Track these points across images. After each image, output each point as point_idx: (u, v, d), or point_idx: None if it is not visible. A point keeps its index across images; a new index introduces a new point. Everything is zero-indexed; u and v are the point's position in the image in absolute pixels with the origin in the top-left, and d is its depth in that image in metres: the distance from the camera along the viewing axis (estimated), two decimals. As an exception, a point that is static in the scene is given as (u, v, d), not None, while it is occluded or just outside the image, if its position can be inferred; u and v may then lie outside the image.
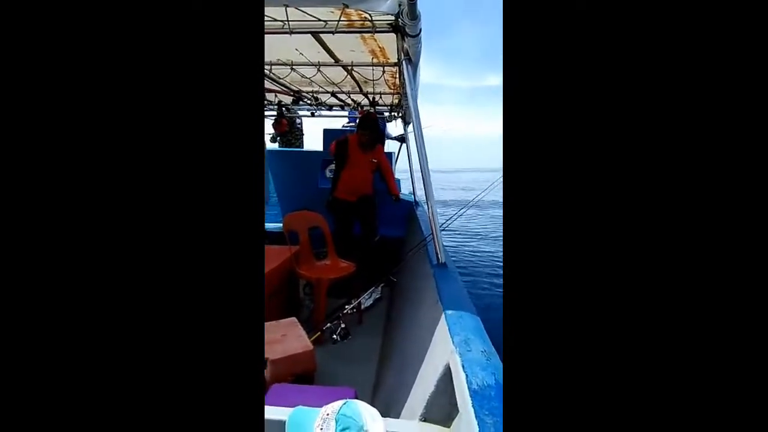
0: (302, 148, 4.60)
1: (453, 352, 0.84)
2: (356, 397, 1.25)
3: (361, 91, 2.89)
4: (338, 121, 4.40)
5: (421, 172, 1.51)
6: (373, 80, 2.20)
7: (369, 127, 2.55)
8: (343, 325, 2.07)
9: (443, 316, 1.03)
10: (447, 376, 0.86)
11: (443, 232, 1.66)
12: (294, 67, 2.12)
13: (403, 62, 1.47)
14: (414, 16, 1.13)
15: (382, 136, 2.80)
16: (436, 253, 1.51)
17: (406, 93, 2.41)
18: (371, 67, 2.09)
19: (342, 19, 1.36)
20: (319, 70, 2.10)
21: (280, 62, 2.10)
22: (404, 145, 4.17)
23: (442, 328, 1.00)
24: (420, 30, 1.23)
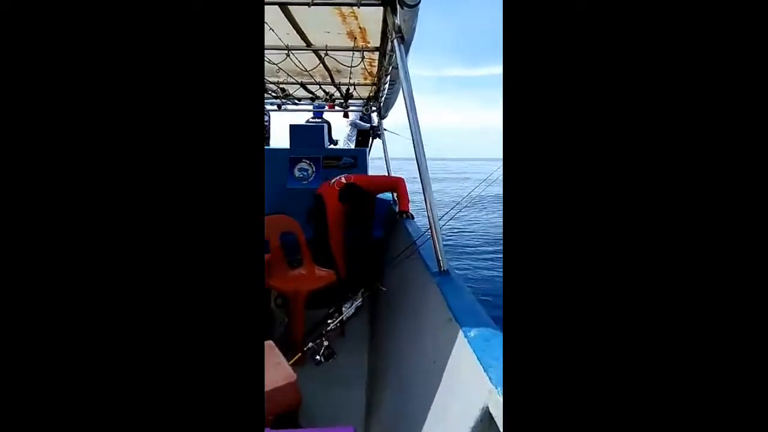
0: (268, 145, 4.26)
1: (493, 392, 0.66)
2: (356, 437, 1.04)
3: (332, 82, 2.65)
4: (305, 115, 4.13)
5: (418, 168, 1.32)
6: (351, 67, 1.97)
7: (350, 201, 2.29)
8: (326, 343, 1.84)
9: (465, 340, 0.85)
10: (486, 422, 0.69)
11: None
12: (259, 50, 1.85)
13: (395, 41, 1.26)
14: None
15: (370, 204, 2.57)
16: (438, 259, 1.33)
17: (385, 82, 2.22)
18: (349, 53, 1.86)
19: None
20: (288, 54, 1.84)
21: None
22: (378, 139, 3.97)
23: (467, 357, 0.81)
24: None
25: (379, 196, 3.01)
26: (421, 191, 1.35)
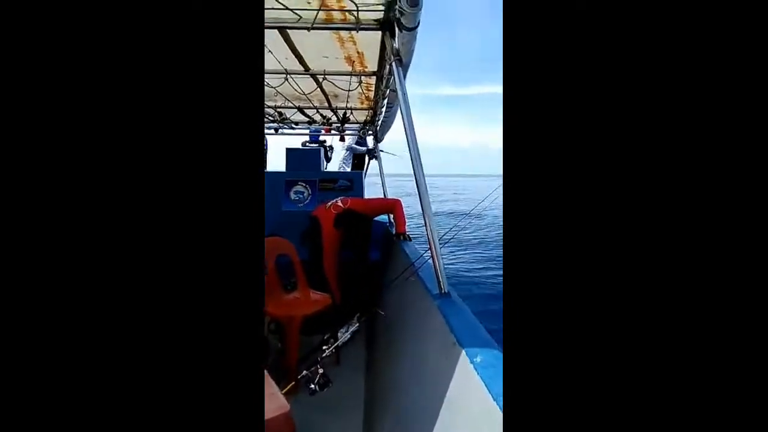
0: (265, 168, 4.27)
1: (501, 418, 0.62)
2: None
3: (330, 107, 2.68)
4: (301, 138, 4.16)
5: (417, 189, 1.31)
6: (349, 91, 2.00)
7: (346, 227, 2.31)
8: (321, 371, 1.76)
9: (471, 366, 0.81)
10: None
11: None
12: (258, 74, 1.87)
13: (393, 64, 1.28)
14: (415, 2, 0.95)
15: (367, 227, 2.60)
16: (438, 281, 1.29)
17: (382, 106, 2.25)
18: (347, 77, 1.89)
19: (321, 10, 1.16)
20: (286, 78, 1.86)
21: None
22: (374, 160, 3.99)
23: (473, 383, 0.77)
24: (419, 22, 1.05)
25: (376, 218, 3.00)
26: (421, 213, 1.33)
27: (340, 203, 2.48)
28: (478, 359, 0.82)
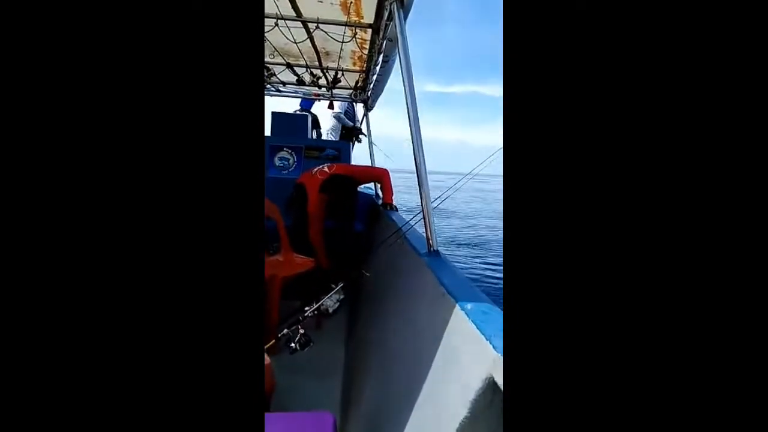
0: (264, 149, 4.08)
1: (497, 361, 0.60)
2: (335, 424, 0.95)
3: (320, 66, 2.56)
4: (286, 102, 4.00)
5: (413, 143, 1.25)
6: (342, 43, 1.89)
7: (333, 192, 2.24)
8: (302, 331, 1.73)
9: (463, 313, 0.78)
10: (489, 394, 0.62)
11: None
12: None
13: (393, 5, 1.20)
14: None
15: (353, 195, 2.51)
16: (428, 239, 1.26)
17: (377, 62, 2.15)
18: (341, 28, 1.78)
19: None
20: (276, 24, 1.74)
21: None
22: (356, 143, 3.86)
23: (466, 329, 0.74)
24: None
25: (362, 189, 2.94)
26: (414, 169, 1.28)
27: (326, 169, 2.41)
28: (469, 307, 0.80)
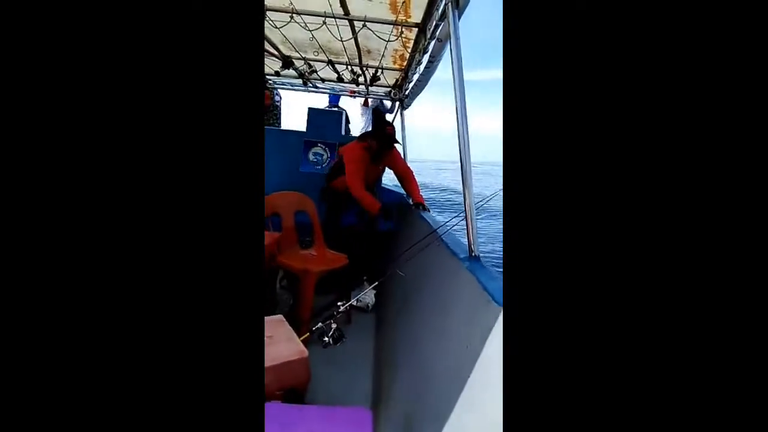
0: (279, 127, 4.16)
1: None
2: (372, 419, 0.95)
3: (360, 63, 2.57)
4: (318, 100, 4.04)
5: (459, 143, 1.24)
6: (387, 41, 1.89)
7: (373, 136, 2.23)
8: (335, 326, 1.75)
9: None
10: None
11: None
12: (294, 15, 1.77)
13: (448, 5, 1.18)
14: None
15: (391, 139, 2.47)
16: (470, 244, 1.24)
17: (419, 62, 2.14)
18: (387, 27, 1.78)
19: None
20: (324, 22, 1.76)
21: (277, 7, 1.74)
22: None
23: None
24: None
25: (390, 187, 2.93)
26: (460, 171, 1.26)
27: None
28: None
